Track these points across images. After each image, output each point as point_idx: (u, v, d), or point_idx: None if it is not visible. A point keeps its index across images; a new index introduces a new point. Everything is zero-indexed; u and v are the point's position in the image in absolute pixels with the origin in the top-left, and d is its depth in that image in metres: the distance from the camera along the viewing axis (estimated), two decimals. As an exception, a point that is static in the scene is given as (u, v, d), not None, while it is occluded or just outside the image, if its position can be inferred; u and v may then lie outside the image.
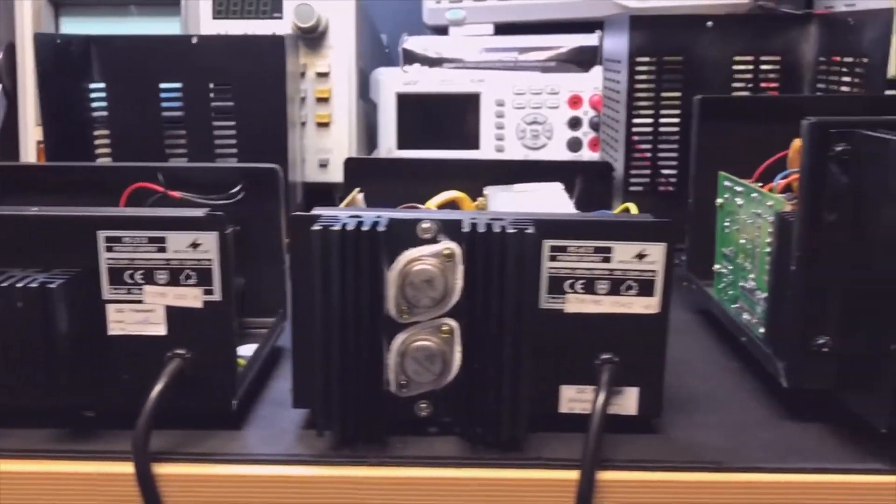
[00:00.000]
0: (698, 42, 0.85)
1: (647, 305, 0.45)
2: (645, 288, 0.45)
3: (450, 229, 0.44)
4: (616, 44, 0.86)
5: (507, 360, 0.43)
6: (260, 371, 0.53)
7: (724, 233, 0.62)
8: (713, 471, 0.44)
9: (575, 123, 0.97)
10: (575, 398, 0.46)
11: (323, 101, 0.89)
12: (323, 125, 0.90)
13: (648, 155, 0.87)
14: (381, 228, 0.42)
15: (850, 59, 0.78)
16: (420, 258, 0.44)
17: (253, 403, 0.51)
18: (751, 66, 0.86)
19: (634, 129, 0.86)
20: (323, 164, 0.90)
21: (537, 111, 0.97)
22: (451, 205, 0.55)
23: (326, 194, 0.89)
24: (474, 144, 0.98)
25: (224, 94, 0.81)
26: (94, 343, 0.46)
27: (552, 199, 0.53)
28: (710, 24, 0.85)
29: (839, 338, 0.46)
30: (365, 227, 0.42)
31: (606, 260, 0.45)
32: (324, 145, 0.90)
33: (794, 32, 0.86)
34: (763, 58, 0.86)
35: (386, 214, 0.44)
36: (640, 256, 0.45)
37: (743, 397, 0.52)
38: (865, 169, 0.44)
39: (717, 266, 0.63)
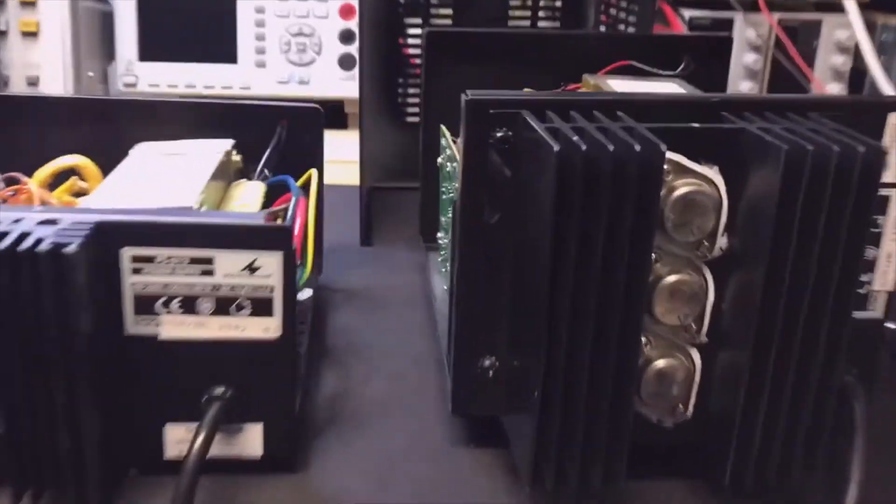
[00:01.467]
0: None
1: (265, 328, 0.36)
2: (261, 307, 0.35)
3: (-19, 237, 0.32)
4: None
5: (58, 405, 0.33)
6: None
7: (443, 198, 0.53)
8: (336, 527, 0.36)
9: (348, 37, 0.84)
10: (185, 439, 0.37)
11: (28, 4, 0.74)
12: (29, 34, 0.74)
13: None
14: None
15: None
16: (-60, 276, 0.32)
17: None
18: (530, -3, 0.76)
19: (411, 60, 0.75)
20: (32, 83, 0.75)
21: (304, 21, 0.84)
22: (74, 173, 0.43)
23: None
24: (231, 58, 0.84)
25: None
26: None
27: (194, 169, 0.42)
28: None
29: (505, 360, 0.38)
30: None
31: (208, 273, 0.35)
32: (31, 59, 0.75)
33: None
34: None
35: None
36: (252, 269, 0.35)
37: (427, 408, 0.44)
38: (524, 162, 0.34)
39: (439, 234, 0.54)
